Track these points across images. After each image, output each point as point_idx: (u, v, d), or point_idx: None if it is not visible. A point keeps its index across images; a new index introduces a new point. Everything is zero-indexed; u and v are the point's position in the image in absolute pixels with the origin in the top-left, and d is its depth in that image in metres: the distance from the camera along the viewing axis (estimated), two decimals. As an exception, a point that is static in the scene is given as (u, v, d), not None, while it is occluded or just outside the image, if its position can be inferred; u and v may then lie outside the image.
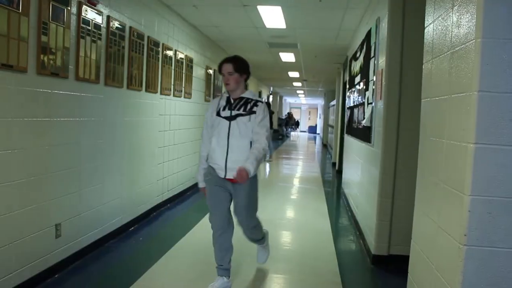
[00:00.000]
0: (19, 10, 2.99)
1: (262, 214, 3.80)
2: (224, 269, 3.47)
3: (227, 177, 3.29)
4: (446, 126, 2.11)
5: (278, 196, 7.81)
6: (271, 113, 13.73)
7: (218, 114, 3.35)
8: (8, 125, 2.97)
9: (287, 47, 9.21)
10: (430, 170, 2.36)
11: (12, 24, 2.94)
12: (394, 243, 4.13)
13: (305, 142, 25.58)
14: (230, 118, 3.29)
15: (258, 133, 3.25)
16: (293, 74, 14.46)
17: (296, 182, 10.00)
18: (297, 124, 34.46)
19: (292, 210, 6.99)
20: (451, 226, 1.98)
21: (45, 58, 3.31)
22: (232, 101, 3.37)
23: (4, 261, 3.02)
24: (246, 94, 3.40)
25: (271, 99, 23.01)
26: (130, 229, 4.96)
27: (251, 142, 3.25)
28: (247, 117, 3.28)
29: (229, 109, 3.34)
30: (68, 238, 3.76)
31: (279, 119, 27.50)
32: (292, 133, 31.66)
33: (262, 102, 3.39)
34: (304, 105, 41.41)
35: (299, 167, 13.06)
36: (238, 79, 3.35)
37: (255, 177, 3.35)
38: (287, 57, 10.50)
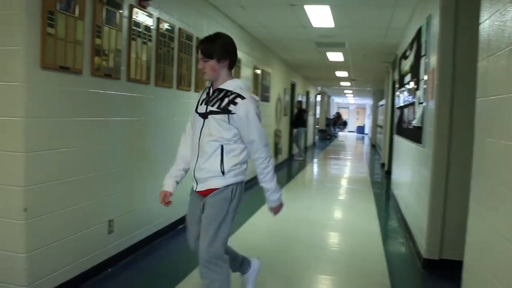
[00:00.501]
0: (75, 14, 3.11)
1: (309, 214, 3.76)
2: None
3: (196, 189, 2.71)
4: (504, 126, 2.02)
5: (326, 197, 7.75)
6: (303, 111, 13.62)
7: (196, 109, 2.72)
8: (65, 125, 3.10)
9: (334, 47, 9.12)
10: (486, 172, 2.27)
11: (69, 28, 3.06)
12: (446, 247, 3.99)
13: (353, 143, 25.23)
14: (204, 115, 2.61)
15: (253, 142, 2.56)
16: (341, 73, 14.30)
17: (344, 182, 9.88)
18: (344, 124, 34.07)
19: (340, 210, 6.90)
20: (510, 231, 1.89)
21: (99, 60, 3.43)
22: (211, 93, 2.66)
23: (60, 254, 3.15)
24: (227, 85, 2.59)
25: (318, 98, 22.85)
26: (179, 227, 5.05)
27: (222, 147, 2.55)
28: (222, 116, 2.52)
29: (205, 103, 2.63)
30: (120, 234, 3.87)
31: (327, 119, 27.27)
32: (340, 133, 31.30)
33: (244, 97, 2.53)
34: (352, 105, 40.85)
35: (347, 167, 12.90)
36: (215, 67, 2.58)
37: (227, 197, 2.61)
38: (335, 56, 10.39)
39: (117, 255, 3.85)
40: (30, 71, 2.78)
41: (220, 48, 2.58)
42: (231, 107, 2.50)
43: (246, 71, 7.65)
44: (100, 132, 3.52)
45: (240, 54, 7.14)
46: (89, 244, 3.47)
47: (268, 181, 2.67)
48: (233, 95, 2.53)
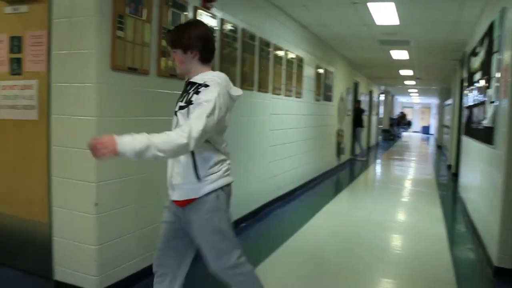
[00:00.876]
0: (143, 17, 3.23)
1: (372, 215, 3.67)
2: None
3: (172, 198, 2.32)
4: None
5: (389, 198, 7.57)
6: (360, 111, 13.31)
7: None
8: (133, 124, 3.23)
9: (399, 44, 8.87)
10: None
11: (137, 31, 3.18)
12: (519, 255, 3.78)
13: (418, 143, 24.45)
14: (175, 113, 2.28)
15: (189, 119, 2.10)
16: (405, 72, 13.89)
17: (408, 184, 9.60)
18: (409, 124, 33.06)
19: (403, 213, 6.71)
20: None
21: (165, 61, 3.53)
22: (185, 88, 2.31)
23: (128, 248, 3.29)
24: (198, 78, 2.24)
25: (382, 98, 22.34)
26: (241, 226, 5.11)
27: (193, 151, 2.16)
28: (186, 109, 2.18)
29: (180, 99, 2.29)
30: (183, 231, 3.96)
31: (391, 119, 26.60)
32: (404, 134, 30.43)
33: (208, 86, 2.15)
34: (416, 104, 39.57)
35: (412, 168, 12.52)
36: (182, 58, 2.28)
37: (212, 208, 2.23)
38: (399, 54, 10.10)
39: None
40: (101, 72, 2.92)
41: (186, 38, 2.24)
42: (194, 97, 2.15)
43: (308, 70, 7.61)
44: (167, 131, 3.62)
45: (302, 53, 7.12)
46: (155, 239, 3.57)
47: (152, 137, 2.05)
48: (200, 87, 2.17)
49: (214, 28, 4.26)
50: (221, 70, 4.40)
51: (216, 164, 2.27)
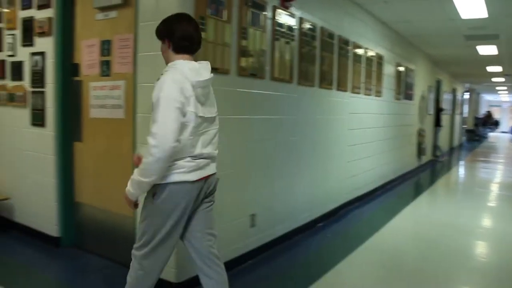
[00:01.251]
0: (223, 18, 3.29)
1: (455, 219, 3.50)
2: None
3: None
4: None
5: (474, 202, 7.18)
6: (439, 110, 12.68)
7: None
8: (213, 123, 3.29)
9: (486, 39, 8.37)
10: None
11: (218, 32, 3.25)
12: None
13: (506, 144, 22.97)
14: None
15: (152, 123, 2.12)
16: (493, 68, 13.09)
17: (495, 188, 9.04)
18: (496, 123, 31.16)
19: (489, 218, 6.32)
20: None
21: (244, 61, 3.58)
22: None
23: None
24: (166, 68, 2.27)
25: (466, 96, 21.24)
26: (318, 225, 5.06)
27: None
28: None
29: None
30: (261, 229, 4.01)
31: (476, 118, 25.23)
32: (491, 134, 28.73)
33: (161, 75, 2.19)
34: (505, 103, 37.21)
35: (499, 171, 11.78)
36: (163, 48, 2.33)
37: (150, 197, 2.24)
38: (487, 50, 9.53)
39: (258, 248, 3.99)
40: (184, 73, 3.00)
41: (161, 29, 2.32)
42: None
43: (388, 69, 7.40)
44: (244, 129, 3.68)
45: (382, 51, 6.95)
46: (232, 236, 3.65)
47: (135, 173, 2.17)
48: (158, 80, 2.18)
49: (293, 27, 4.26)
50: (300, 69, 4.40)
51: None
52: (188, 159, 2.20)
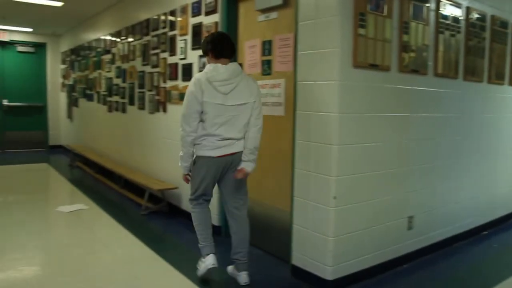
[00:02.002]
0: (384, 13, 3.21)
1: None
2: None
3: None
4: None
5: None
6: None
7: None
8: (373, 120, 3.25)
9: None
10: None
11: (378, 27, 3.18)
12: None
13: None
14: None
15: None
16: None
17: None
18: None
19: None
20: None
21: (406, 56, 3.45)
22: None
23: (362, 243, 3.32)
24: None
25: None
26: (482, 233, 4.66)
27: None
28: None
29: None
30: (419, 231, 3.82)
31: None
32: None
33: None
34: None
35: None
36: (206, 62, 3.25)
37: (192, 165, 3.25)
38: None
39: (415, 252, 3.81)
40: (343, 70, 3.00)
41: (203, 46, 3.22)
42: None
43: None
44: (405, 128, 3.55)
45: None
46: (388, 237, 3.55)
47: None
48: None
49: (459, 18, 3.97)
50: (466, 62, 4.11)
51: (198, 141, 3.14)
52: (213, 140, 3.06)
